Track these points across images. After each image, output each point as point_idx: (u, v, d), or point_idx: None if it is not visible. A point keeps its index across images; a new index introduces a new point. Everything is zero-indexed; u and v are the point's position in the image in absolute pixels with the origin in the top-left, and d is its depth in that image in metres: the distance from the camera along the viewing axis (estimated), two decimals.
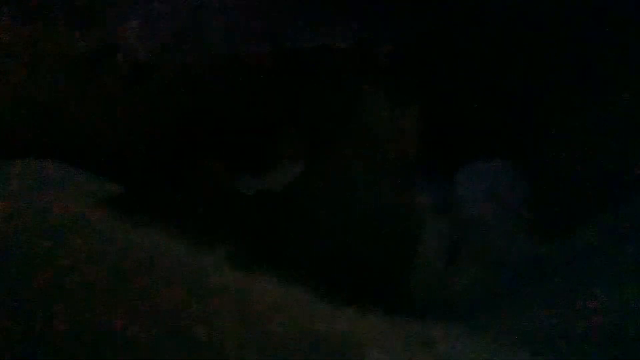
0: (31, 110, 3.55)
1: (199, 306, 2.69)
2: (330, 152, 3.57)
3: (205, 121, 3.62)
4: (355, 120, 3.57)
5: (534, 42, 3.63)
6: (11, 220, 2.92)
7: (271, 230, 3.45)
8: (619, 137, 3.53)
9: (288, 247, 3.40)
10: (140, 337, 2.55)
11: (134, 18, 3.60)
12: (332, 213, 3.49)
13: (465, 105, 3.65)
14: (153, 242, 3.10)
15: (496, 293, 3.42)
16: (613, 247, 3.33)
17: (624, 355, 3.03)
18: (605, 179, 3.51)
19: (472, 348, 3.24)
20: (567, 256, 3.41)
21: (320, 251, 3.43)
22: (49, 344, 2.49)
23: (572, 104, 3.61)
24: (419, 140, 3.62)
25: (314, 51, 3.64)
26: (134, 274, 2.84)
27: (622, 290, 3.10)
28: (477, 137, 3.65)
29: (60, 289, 2.65)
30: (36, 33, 3.62)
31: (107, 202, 3.36)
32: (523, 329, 3.13)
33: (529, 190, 3.58)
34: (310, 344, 2.57)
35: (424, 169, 3.63)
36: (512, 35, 3.62)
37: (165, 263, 2.85)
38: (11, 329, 2.52)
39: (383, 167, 3.53)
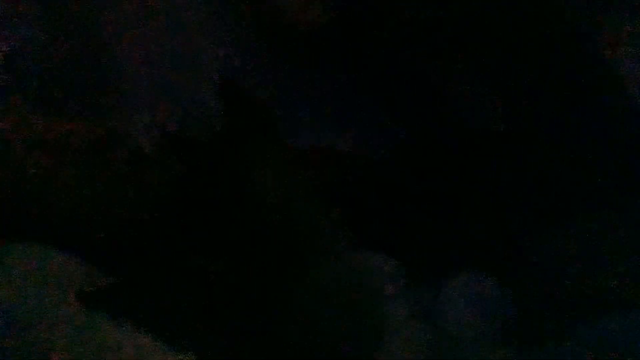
0: (35, 196, 3.69)
1: None
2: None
3: (204, 217, 3.72)
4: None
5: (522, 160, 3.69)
6: None
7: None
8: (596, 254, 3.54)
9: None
10: None
11: (142, 111, 3.79)
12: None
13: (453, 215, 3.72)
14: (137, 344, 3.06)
15: None
16: None
17: None
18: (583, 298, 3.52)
19: None
20: None
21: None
22: None
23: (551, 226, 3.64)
24: (402, 246, 3.67)
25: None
26: None
27: None
28: (463, 247, 3.70)
29: None
30: (50, 123, 3.82)
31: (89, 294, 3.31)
32: None
33: (511, 301, 3.59)
34: None
35: (410, 276, 3.68)
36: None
37: None
38: None
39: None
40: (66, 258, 3.42)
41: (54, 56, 3.86)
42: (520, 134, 3.65)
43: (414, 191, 3.72)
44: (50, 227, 3.65)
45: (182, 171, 3.74)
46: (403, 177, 3.75)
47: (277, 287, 3.50)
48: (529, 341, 3.50)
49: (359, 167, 3.80)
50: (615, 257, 3.53)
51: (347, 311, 3.47)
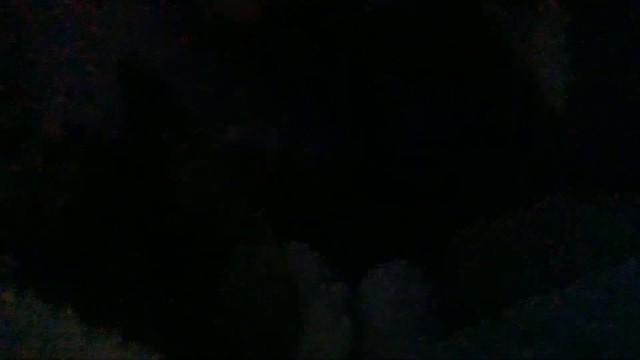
0: None
1: None
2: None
3: (122, 209, 3.64)
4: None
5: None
6: None
7: None
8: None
9: None
10: None
11: (57, 95, 3.70)
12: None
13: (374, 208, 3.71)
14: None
15: None
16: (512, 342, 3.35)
17: None
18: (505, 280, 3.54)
19: None
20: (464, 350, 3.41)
21: None
22: None
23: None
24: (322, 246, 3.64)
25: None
26: None
27: None
28: (387, 239, 3.69)
29: None
30: None
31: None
32: None
33: (431, 291, 3.59)
34: None
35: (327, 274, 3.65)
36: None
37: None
38: None
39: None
40: None
41: None
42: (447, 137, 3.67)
43: (342, 185, 3.70)
44: None
45: (98, 167, 3.65)
46: (330, 172, 3.73)
47: (195, 284, 3.47)
48: (450, 332, 3.50)
49: (286, 165, 3.76)
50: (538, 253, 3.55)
51: (267, 305, 3.44)
